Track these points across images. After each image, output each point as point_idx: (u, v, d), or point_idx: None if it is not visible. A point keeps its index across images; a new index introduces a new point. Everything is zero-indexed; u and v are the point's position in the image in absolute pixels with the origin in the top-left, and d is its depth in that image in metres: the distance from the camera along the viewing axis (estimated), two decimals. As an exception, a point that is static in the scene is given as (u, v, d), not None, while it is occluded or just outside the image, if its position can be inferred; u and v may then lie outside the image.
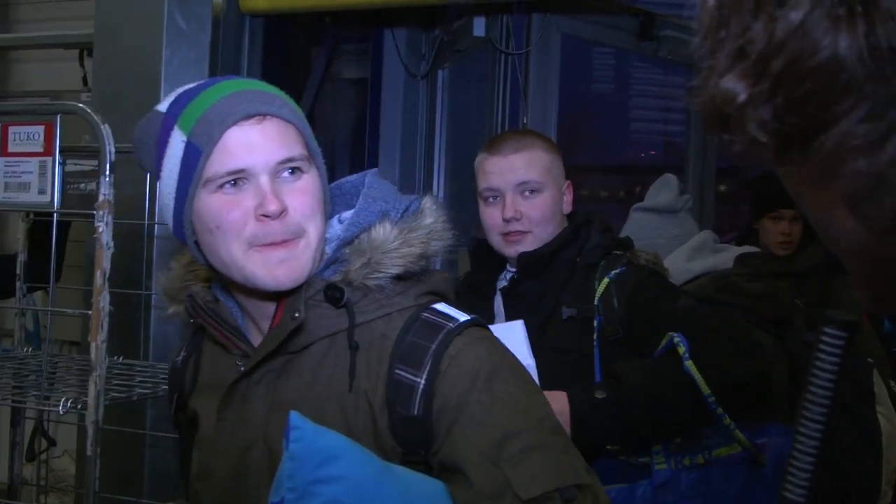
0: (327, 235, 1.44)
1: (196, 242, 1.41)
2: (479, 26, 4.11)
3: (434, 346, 1.35)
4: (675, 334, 2.00)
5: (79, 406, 2.14)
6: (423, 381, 1.33)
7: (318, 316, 1.39)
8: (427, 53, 4.59)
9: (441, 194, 4.60)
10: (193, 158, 1.34)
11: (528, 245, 2.24)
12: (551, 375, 1.94)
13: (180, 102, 1.39)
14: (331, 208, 1.47)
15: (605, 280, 2.18)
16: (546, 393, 1.90)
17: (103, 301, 2.04)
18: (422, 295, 1.44)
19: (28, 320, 4.30)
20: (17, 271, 3.01)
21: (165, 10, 3.22)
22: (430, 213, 1.45)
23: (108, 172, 2.02)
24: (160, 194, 1.42)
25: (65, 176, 3.19)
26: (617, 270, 2.18)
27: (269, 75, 3.71)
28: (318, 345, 1.41)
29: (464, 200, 4.00)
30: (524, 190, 2.23)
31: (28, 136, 2.14)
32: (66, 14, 5.06)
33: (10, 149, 2.15)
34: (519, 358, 1.91)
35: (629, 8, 4.21)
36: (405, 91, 4.60)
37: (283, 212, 1.34)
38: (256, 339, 1.46)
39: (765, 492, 2.07)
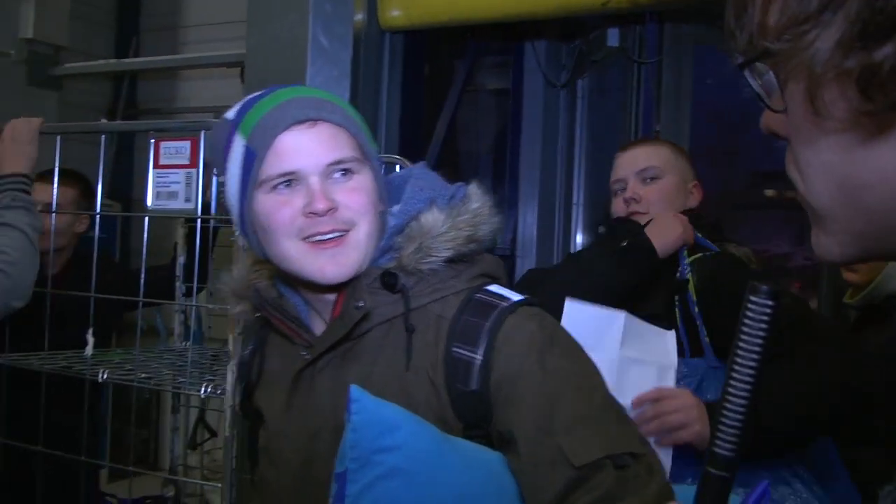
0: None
1: (257, 239, 1.51)
2: (613, 37, 4.20)
3: (489, 324, 1.41)
4: None
5: (218, 391, 2.36)
6: (480, 357, 1.39)
7: (376, 303, 1.46)
8: (567, 63, 4.69)
9: (581, 200, 4.69)
10: (250, 161, 1.43)
11: None
12: None
13: (243, 110, 1.48)
14: (387, 208, 1.53)
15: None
16: (675, 390, 1.99)
17: (237, 315, 2.25)
18: (475, 277, 1.50)
19: (191, 319, 4.65)
20: (178, 273, 3.29)
21: (310, 31, 3.43)
22: (477, 199, 1.51)
23: (243, 181, 2.23)
24: (226, 195, 1.52)
25: (218, 185, 3.49)
26: (700, 255, 2.24)
27: (409, 88, 3.88)
28: (377, 330, 1.47)
29: (603, 205, 4.11)
30: (645, 177, 2.36)
31: (176, 151, 2.37)
32: (230, 35, 5.37)
33: (161, 161, 2.39)
34: (607, 350, 2.00)
35: (764, 14, 4.20)
36: (545, 101, 4.70)
37: (331, 209, 1.42)
38: (319, 329, 1.54)
39: None
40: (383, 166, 1.60)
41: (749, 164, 5.05)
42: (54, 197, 2.86)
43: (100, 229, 2.77)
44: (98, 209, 2.72)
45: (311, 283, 1.48)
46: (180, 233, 3.26)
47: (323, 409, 1.49)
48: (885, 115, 0.64)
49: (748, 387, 0.75)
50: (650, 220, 2.25)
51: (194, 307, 2.94)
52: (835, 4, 0.63)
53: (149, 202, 2.44)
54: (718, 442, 0.76)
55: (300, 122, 1.43)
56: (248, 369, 1.68)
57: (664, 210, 2.31)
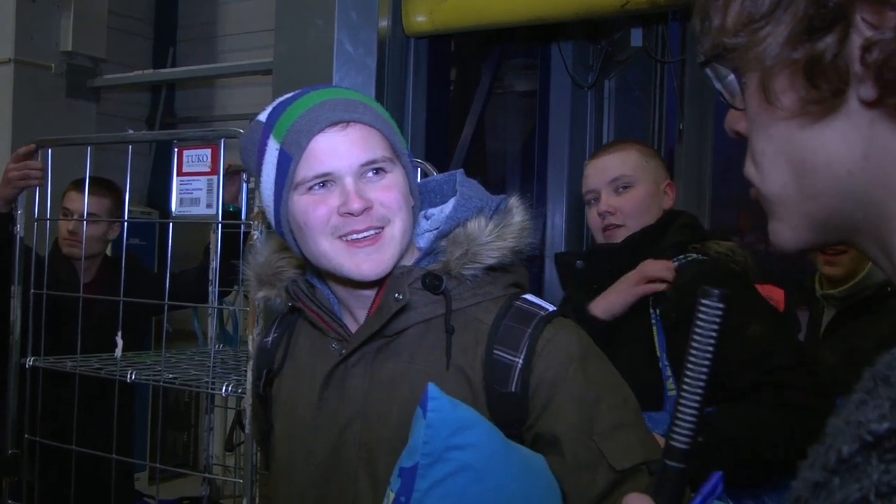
0: (417, 230, 1.57)
1: (294, 238, 1.55)
2: (636, 37, 4.23)
3: (530, 330, 1.46)
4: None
5: (239, 390, 2.43)
6: (521, 361, 1.44)
7: (416, 301, 1.49)
8: (594, 64, 4.72)
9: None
10: (286, 164, 1.47)
11: (622, 238, 2.31)
12: (627, 371, 2.00)
13: (275, 113, 1.51)
14: (418, 204, 1.57)
15: None
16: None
17: (258, 299, 2.32)
18: (509, 286, 1.54)
19: (228, 322, 4.73)
20: (210, 277, 3.37)
21: (335, 38, 3.50)
22: (519, 213, 1.55)
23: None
24: (261, 196, 1.55)
25: (249, 192, 3.57)
26: (681, 260, 2.22)
27: (434, 92, 3.92)
28: (414, 329, 1.50)
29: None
30: (617, 186, 2.32)
31: (198, 159, 2.45)
32: (266, 43, 5.48)
33: (185, 169, 2.47)
34: None
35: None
36: (573, 101, 4.74)
37: (366, 209, 1.45)
38: (351, 325, 1.57)
39: None
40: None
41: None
42: (85, 205, 2.95)
43: (138, 236, 2.85)
44: (126, 216, 2.81)
45: (346, 279, 1.51)
46: (213, 238, 3.34)
47: (354, 402, 1.52)
48: (829, 103, 0.69)
49: (701, 384, 0.81)
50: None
51: (216, 309, 3.02)
52: (785, 3, 0.69)
53: (173, 208, 2.52)
54: (674, 436, 0.83)
55: (333, 123, 1.46)
56: (272, 356, 1.70)
57: (640, 219, 2.31)
